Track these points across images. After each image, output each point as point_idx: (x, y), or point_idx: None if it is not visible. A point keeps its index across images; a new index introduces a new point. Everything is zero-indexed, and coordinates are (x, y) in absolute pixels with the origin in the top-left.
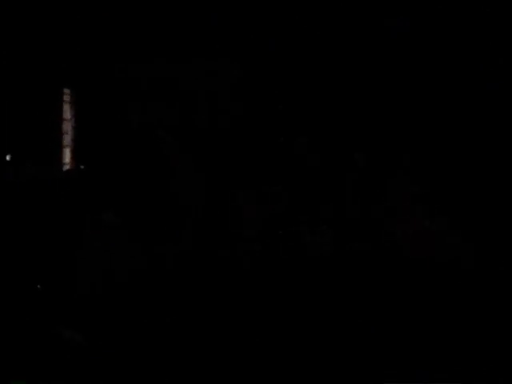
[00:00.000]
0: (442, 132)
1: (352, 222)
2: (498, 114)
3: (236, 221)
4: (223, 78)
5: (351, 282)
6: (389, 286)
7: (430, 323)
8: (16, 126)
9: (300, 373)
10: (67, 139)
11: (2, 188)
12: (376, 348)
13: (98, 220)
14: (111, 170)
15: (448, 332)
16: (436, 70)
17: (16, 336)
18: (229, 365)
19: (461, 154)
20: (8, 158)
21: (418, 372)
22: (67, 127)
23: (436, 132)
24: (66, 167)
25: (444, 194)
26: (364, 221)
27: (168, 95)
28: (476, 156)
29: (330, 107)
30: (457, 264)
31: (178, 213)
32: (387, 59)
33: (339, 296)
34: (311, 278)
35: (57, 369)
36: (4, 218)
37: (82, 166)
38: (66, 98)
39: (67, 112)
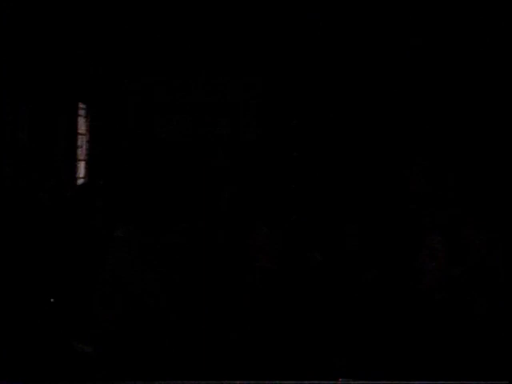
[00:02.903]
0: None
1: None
2: None
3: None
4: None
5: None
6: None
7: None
8: (32, 140)
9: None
10: (82, 153)
11: (18, 203)
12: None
13: (114, 235)
14: (127, 184)
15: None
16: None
17: (30, 345)
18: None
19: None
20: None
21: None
22: (82, 141)
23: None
24: (81, 181)
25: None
26: (378, 248)
27: (189, 110)
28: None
29: (349, 128)
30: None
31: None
32: (408, 79)
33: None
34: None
35: (68, 377)
36: (22, 232)
37: (100, 182)
38: (81, 112)
39: (82, 126)
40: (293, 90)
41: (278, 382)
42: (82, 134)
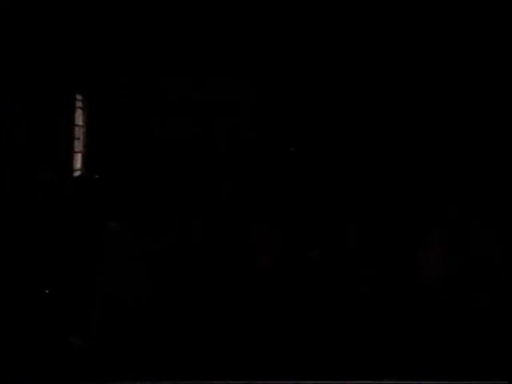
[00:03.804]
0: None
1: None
2: None
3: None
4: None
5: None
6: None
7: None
8: (28, 131)
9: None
10: (79, 145)
11: (15, 195)
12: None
13: (109, 228)
14: (124, 178)
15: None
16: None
17: (24, 339)
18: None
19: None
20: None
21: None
22: (79, 133)
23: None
24: (78, 173)
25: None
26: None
27: (186, 108)
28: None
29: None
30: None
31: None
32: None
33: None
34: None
35: (61, 371)
36: (18, 224)
37: (96, 176)
38: (79, 103)
39: (79, 118)
40: (294, 89)
41: (277, 382)
42: (79, 126)
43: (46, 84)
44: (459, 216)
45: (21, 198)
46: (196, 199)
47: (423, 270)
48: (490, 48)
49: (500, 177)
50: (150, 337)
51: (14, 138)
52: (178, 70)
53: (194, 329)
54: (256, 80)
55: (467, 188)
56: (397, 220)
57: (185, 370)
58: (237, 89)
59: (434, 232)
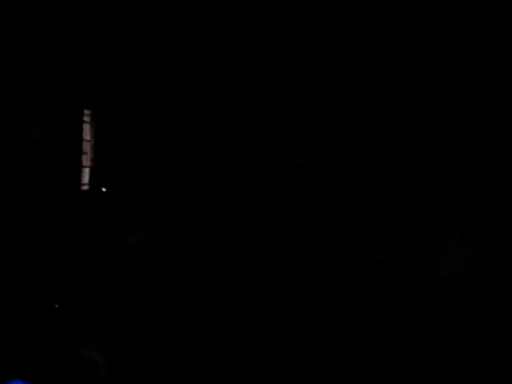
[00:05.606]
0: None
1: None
2: None
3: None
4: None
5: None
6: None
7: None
8: (37, 145)
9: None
10: (87, 159)
11: (25, 209)
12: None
13: (119, 238)
14: (130, 191)
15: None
16: None
17: (35, 351)
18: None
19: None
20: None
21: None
22: (87, 147)
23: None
24: (86, 187)
25: None
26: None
27: (186, 108)
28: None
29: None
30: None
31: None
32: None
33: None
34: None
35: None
36: (27, 237)
37: (103, 189)
38: (86, 118)
39: (87, 133)
40: (294, 89)
41: None
42: (87, 141)
43: (53, 99)
44: (459, 216)
45: (29, 212)
46: (196, 199)
47: (423, 270)
48: (490, 48)
49: (500, 177)
50: (150, 339)
51: (25, 152)
52: (178, 70)
53: (193, 329)
54: (256, 80)
55: (467, 188)
56: (397, 220)
57: (185, 373)
58: (237, 89)
59: (433, 232)
